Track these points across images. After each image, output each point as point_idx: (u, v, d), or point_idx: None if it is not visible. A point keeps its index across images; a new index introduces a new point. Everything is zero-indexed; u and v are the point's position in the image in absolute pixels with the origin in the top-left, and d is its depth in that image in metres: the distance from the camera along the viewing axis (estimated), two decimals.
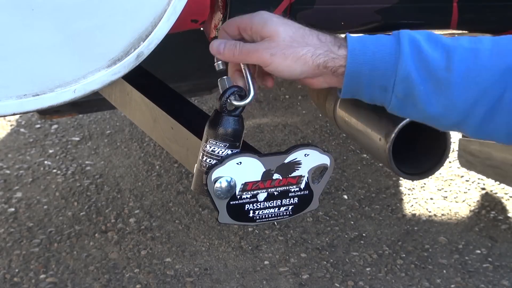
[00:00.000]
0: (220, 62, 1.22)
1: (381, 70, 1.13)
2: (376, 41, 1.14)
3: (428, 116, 1.15)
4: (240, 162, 1.21)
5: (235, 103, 1.20)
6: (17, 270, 2.56)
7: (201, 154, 1.22)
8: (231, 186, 1.22)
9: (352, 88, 1.16)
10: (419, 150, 1.95)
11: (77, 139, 3.48)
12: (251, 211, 1.26)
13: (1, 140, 3.49)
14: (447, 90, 1.11)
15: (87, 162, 3.27)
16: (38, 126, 3.62)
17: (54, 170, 3.19)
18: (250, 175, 1.23)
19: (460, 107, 1.11)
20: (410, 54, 1.12)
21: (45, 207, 2.92)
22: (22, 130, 3.58)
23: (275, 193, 1.27)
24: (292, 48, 1.14)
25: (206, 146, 1.21)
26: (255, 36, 1.17)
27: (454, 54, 1.12)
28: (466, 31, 1.96)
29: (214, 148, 1.21)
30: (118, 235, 2.74)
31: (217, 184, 1.21)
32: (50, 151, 3.37)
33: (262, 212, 1.27)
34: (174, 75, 2.52)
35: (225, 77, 1.22)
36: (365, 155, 3.30)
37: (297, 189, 1.28)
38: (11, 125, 3.63)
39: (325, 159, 1.28)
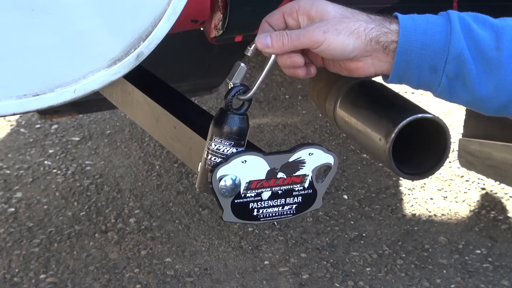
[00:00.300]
0: (251, 49, 1.20)
1: (432, 48, 1.12)
2: (426, 19, 1.15)
3: (478, 97, 1.14)
4: (245, 161, 1.21)
5: (241, 97, 1.21)
6: (17, 270, 2.56)
7: (206, 152, 1.23)
8: (235, 185, 1.22)
9: (401, 69, 1.14)
10: (419, 150, 1.95)
11: (77, 139, 3.48)
12: (255, 210, 1.26)
13: (1, 140, 3.49)
14: (498, 70, 1.11)
15: (87, 162, 3.27)
16: (38, 126, 3.62)
17: (54, 170, 3.19)
18: (255, 174, 1.23)
19: (510, 87, 1.11)
20: (461, 32, 1.12)
21: (45, 207, 2.92)
22: (22, 130, 3.58)
23: (279, 191, 1.27)
24: (344, 23, 1.13)
25: (211, 144, 1.22)
26: (303, 19, 1.15)
27: (503, 33, 1.12)
28: None
29: (219, 146, 1.21)
30: (118, 235, 2.74)
31: (222, 182, 1.21)
32: (50, 151, 3.37)
33: (266, 210, 1.27)
34: (174, 75, 2.52)
35: (241, 63, 1.21)
36: (365, 155, 3.30)
37: (301, 188, 1.28)
38: (11, 125, 3.63)
39: (329, 158, 1.28)
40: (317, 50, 1.14)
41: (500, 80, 1.10)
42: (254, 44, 1.18)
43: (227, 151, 1.21)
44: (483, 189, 3.08)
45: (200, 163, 1.25)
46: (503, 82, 1.10)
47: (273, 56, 1.17)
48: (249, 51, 1.20)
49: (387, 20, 1.15)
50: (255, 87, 1.20)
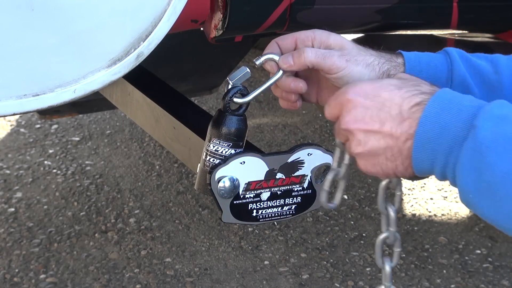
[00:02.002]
0: (261, 61, 1.19)
1: (436, 77, 1.15)
2: (427, 54, 1.18)
3: None
4: (244, 162, 1.21)
5: (237, 100, 1.20)
6: (17, 270, 2.56)
7: (204, 153, 1.23)
8: (234, 186, 1.22)
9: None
10: None
11: (77, 139, 3.48)
12: (255, 211, 1.26)
13: (1, 140, 3.49)
14: (500, 91, 1.14)
15: (87, 162, 3.27)
16: (38, 126, 3.62)
17: (54, 170, 3.19)
18: (254, 175, 1.23)
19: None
20: (461, 61, 1.15)
21: (45, 207, 2.92)
22: (22, 130, 3.58)
23: (278, 192, 1.27)
24: (362, 55, 1.16)
25: (209, 146, 1.21)
26: (319, 46, 1.17)
27: (498, 60, 1.16)
28: (466, 31, 1.96)
29: (218, 148, 1.21)
30: (118, 235, 2.74)
31: (221, 184, 1.21)
32: (50, 151, 3.37)
33: (266, 211, 1.27)
34: (174, 75, 2.52)
35: (247, 68, 1.21)
36: None
37: (300, 188, 1.28)
38: (11, 125, 3.63)
39: (328, 159, 1.28)
40: (334, 76, 1.15)
41: (503, 99, 1.09)
42: (265, 58, 1.17)
43: (226, 152, 1.21)
44: None
45: (199, 165, 1.25)
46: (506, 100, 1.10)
47: (280, 72, 1.16)
48: (259, 61, 1.19)
49: (394, 55, 1.18)
50: (252, 95, 1.20)
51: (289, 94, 1.18)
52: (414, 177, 1.14)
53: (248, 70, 1.20)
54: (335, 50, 1.16)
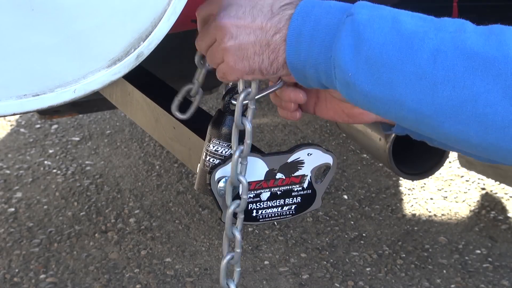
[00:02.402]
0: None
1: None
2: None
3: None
4: None
5: (233, 101, 1.20)
6: (17, 270, 2.56)
7: (204, 153, 1.22)
8: (234, 186, 1.22)
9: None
10: (420, 150, 1.95)
11: (77, 139, 3.48)
12: (254, 211, 1.26)
13: (1, 140, 3.49)
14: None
15: (87, 162, 3.27)
16: (38, 126, 3.62)
17: (54, 170, 3.19)
18: (253, 175, 1.23)
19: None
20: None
21: (45, 207, 2.92)
22: (22, 130, 3.58)
23: (278, 192, 1.27)
24: None
25: (209, 146, 1.21)
26: None
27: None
28: None
29: (218, 148, 1.21)
30: (118, 235, 2.74)
31: (221, 184, 1.21)
32: (50, 151, 3.37)
33: (265, 211, 1.27)
34: (174, 75, 2.52)
35: None
36: (365, 155, 3.30)
37: (300, 188, 1.28)
38: (11, 125, 3.63)
39: (328, 159, 1.28)
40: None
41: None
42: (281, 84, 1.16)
43: (226, 152, 1.21)
44: (483, 189, 3.08)
45: (198, 165, 1.25)
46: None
47: (281, 82, 1.16)
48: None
49: None
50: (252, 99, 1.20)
51: (288, 104, 1.18)
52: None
53: None
54: None
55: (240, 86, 1.16)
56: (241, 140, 1.22)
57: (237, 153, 1.15)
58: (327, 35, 0.99)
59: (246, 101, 1.19)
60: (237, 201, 1.18)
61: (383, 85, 0.94)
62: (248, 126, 1.15)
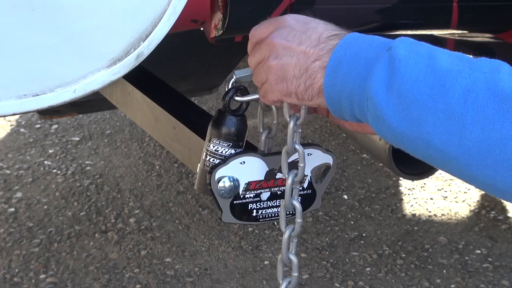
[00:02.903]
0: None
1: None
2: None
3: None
4: (244, 162, 1.21)
5: (237, 98, 1.21)
6: (17, 270, 2.56)
7: (204, 153, 1.23)
8: (234, 186, 1.22)
9: None
10: None
11: (77, 139, 3.48)
12: (255, 211, 1.26)
13: (1, 140, 3.49)
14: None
15: (87, 162, 3.27)
16: (38, 126, 3.62)
17: (54, 170, 3.19)
18: (254, 175, 1.23)
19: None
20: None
21: (45, 207, 2.92)
22: (22, 130, 3.58)
23: (278, 192, 1.27)
24: None
25: (209, 146, 1.22)
26: None
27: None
28: (466, 31, 1.96)
29: (218, 148, 1.21)
30: (118, 235, 2.74)
31: (221, 184, 1.21)
32: (50, 151, 3.37)
33: (266, 211, 1.27)
34: (174, 75, 2.52)
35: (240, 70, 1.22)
36: (365, 155, 3.30)
37: (300, 188, 1.28)
38: (11, 125, 3.63)
39: (327, 159, 1.28)
40: None
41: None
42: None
43: (226, 152, 1.21)
44: None
45: (198, 165, 1.25)
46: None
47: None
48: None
49: None
50: (252, 97, 1.21)
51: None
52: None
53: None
54: None
55: (286, 112, 1.18)
56: (241, 140, 1.22)
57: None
58: (364, 68, 0.99)
59: (240, 100, 1.20)
60: (291, 226, 1.21)
61: (412, 122, 0.93)
62: (301, 150, 1.18)
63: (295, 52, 1.08)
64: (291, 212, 1.29)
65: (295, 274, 1.22)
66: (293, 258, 1.21)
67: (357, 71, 1.00)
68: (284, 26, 1.10)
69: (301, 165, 1.17)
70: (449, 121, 0.90)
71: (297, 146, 1.17)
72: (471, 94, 0.89)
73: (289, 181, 1.17)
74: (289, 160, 1.25)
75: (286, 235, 1.19)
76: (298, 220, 1.19)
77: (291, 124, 1.18)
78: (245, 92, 1.21)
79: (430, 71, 0.93)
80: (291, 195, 1.18)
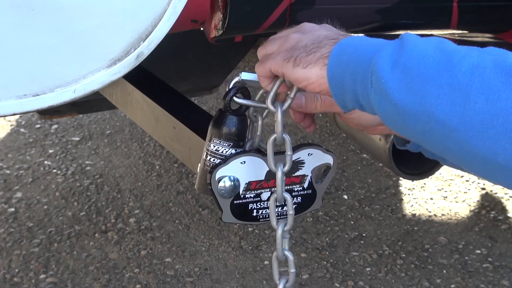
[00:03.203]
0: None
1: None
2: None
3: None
4: (244, 161, 1.21)
5: (239, 101, 1.20)
6: (17, 270, 2.56)
7: (205, 153, 1.23)
8: (235, 185, 1.22)
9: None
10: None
11: (77, 139, 3.48)
12: (255, 210, 1.26)
13: (1, 140, 3.49)
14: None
15: (87, 162, 3.27)
16: (38, 126, 3.62)
17: (54, 170, 3.19)
18: (254, 175, 1.23)
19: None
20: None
21: (45, 207, 2.92)
22: (22, 130, 3.58)
23: None
24: None
25: (210, 145, 1.22)
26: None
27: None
28: (466, 31, 1.96)
29: (218, 147, 1.21)
30: (118, 235, 2.74)
31: (221, 183, 1.21)
32: (50, 151, 3.37)
33: (266, 211, 1.27)
34: (174, 75, 2.52)
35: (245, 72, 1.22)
36: (365, 155, 3.30)
37: (301, 188, 1.28)
38: (11, 125, 3.63)
39: (328, 159, 1.28)
40: (350, 117, 1.21)
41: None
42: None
43: (226, 152, 1.21)
44: (483, 189, 3.08)
45: (199, 164, 1.25)
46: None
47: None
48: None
49: None
50: (255, 103, 1.21)
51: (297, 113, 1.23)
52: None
53: None
54: None
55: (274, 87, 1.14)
56: (242, 140, 1.22)
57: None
58: (373, 48, 1.00)
59: (241, 103, 1.20)
60: (283, 221, 1.18)
61: (415, 94, 0.93)
62: (287, 139, 1.16)
63: (318, 33, 1.09)
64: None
65: (292, 270, 1.20)
66: (289, 255, 1.19)
67: (365, 49, 1.00)
68: (299, 31, 1.12)
69: (288, 153, 1.15)
70: (454, 92, 0.90)
71: (285, 136, 1.16)
72: (479, 68, 0.89)
73: (278, 173, 1.16)
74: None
75: (279, 231, 1.18)
76: (290, 212, 1.18)
77: (279, 111, 1.14)
78: (246, 93, 1.21)
79: (439, 51, 0.93)
80: (282, 186, 1.17)
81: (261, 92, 1.20)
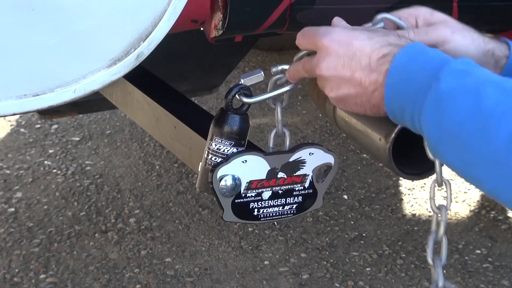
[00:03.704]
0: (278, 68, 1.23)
1: None
2: None
3: None
4: (246, 160, 1.21)
5: (244, 99, 1.20)
6: (17, 270, 2.56)
7: (206, 152, 1.23)
8: (236, 184, 1.22)
9: None
10: (420, 150, 1.95)
11: (77, 139, 3.48)
12: (256, 210, 1.26)
13: (1, 140, 3.49)
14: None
15: (87, 162, 3.26)
16: (38, 126, 3.62)
17: (54, 170, 3.19)
18: (255, 174, 1.24)
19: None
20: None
21: (45, 207, 2.92)
22: (22, 130, 3.58)
23: (280, 191, 1.27)
24: (467, 31, 1.14)
25: (211, 144, 1.22)
26: (421, 23, 1.16)
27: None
28: None
29: (220, 146, 1.21)
30: (118, 235, 2.74)
31: (222, 182, 1.21)
32: (50, 151, 3.37)
33: (267, 210, 1.27)
34: (174, 75, 2.52)
35: (261, 72, 1.23)
36: (365, 155, 3.30)
37: (301, 188, 1.28)
38: (11, 125, 3.63)
39: (329, 158, 1.28)
40: (441, 49, 1.13)
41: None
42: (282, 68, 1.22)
43: (228, 151, 1.21)
44: None
45: (200, 163, 1.25)
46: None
47: (292, 85, 1.19)
48: (275, 69, 1.22)
49: (497, 37, 1.16)
50: (259, 98, 1.21)
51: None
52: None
53: (262, 73, 1.21)
54: (439, 24, 1.14)
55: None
56: (243, 139, 1.22)
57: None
58: (418, 96, 0.99)
59: (245, 101, 1.21)
60: None
61: (463, 162, 0.96)
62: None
63: (350, 84, 1.07)
64: (292, 211, 1.29)
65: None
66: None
67: (411, 102, 1.00)
68: (327, 52, 1.07)
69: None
70: (497, 168, 0.92)
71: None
72: None
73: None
74: (291, 160, 1.26)
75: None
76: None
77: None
78: (248, 92, 1.21)
79: (477, 111, 0.93)
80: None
81: (274, 79, 1.21)
